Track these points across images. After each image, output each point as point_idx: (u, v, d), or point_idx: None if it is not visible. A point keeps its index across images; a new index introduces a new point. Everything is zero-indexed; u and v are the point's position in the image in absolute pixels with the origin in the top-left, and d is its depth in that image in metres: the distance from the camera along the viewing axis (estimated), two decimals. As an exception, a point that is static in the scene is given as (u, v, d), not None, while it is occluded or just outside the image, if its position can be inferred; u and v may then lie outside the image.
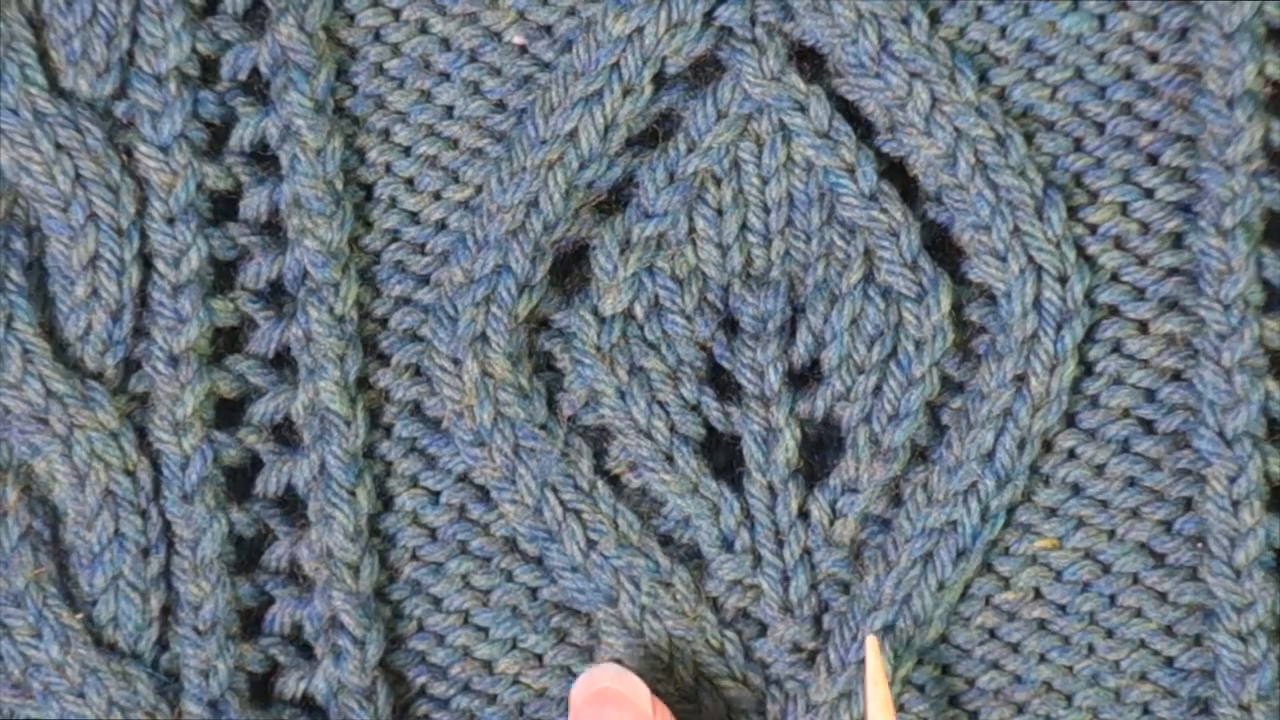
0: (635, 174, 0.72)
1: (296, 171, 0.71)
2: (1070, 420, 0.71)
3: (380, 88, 0.72)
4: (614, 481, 0.73)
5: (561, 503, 0.72)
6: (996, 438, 0.70)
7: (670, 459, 0.72)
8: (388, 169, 0.73)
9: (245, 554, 0.73)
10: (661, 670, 0.72)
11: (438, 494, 0.73)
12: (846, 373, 0.72)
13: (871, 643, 0.68)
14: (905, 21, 0.70)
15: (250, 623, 0.73)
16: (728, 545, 0.72)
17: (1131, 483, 0.71)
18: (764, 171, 0.72)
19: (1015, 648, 0.72)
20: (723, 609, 0.73)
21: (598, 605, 0.72)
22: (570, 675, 0.73)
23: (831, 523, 0.72)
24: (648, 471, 0.72)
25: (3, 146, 0.72)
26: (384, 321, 0.73)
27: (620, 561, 0.72)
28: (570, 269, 0.73)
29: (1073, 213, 0.70)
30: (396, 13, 0.72)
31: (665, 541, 0.73)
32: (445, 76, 0.72)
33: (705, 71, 0.72)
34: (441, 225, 0.73)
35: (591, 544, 0.72)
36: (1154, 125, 0.70)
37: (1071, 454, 0.71)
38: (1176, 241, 0.70)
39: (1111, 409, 0.71)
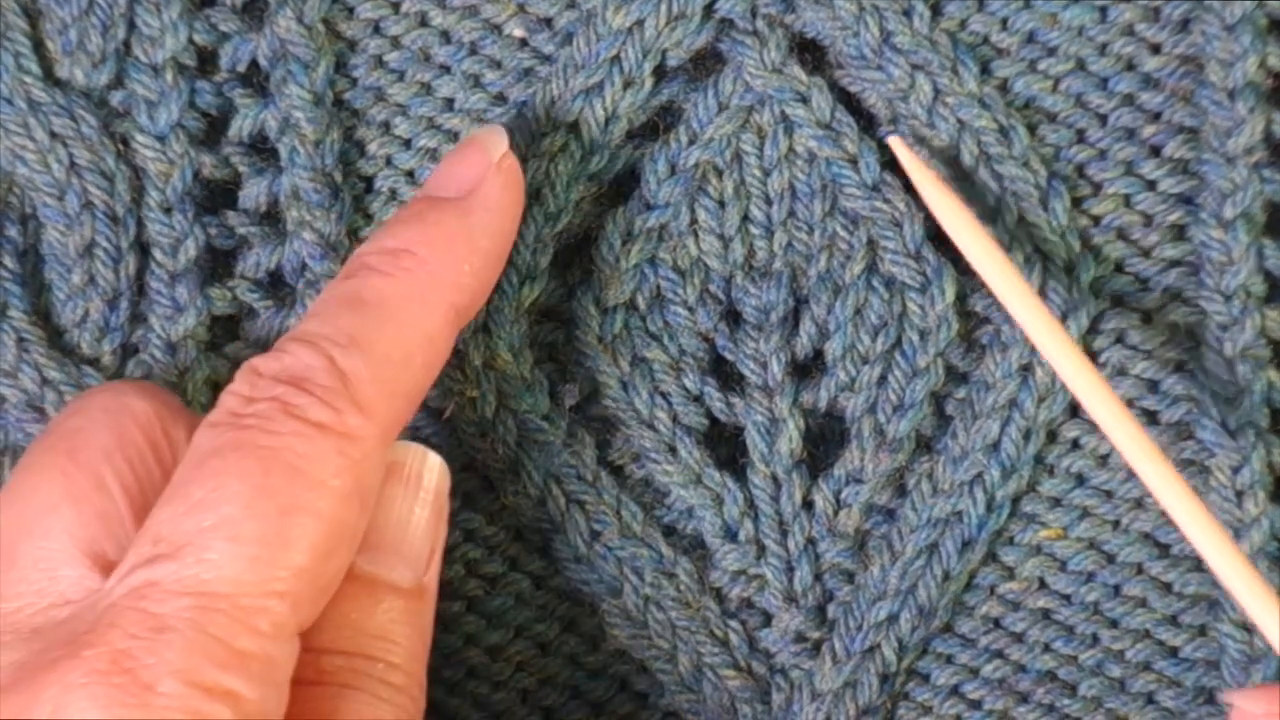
0: (637, 166, 0.71)
1: (295, 164, 0.70)
2: (1074, 410, 0.69)
3: (380, 80, 0.71)
4: (617, 472, 0.71)
5: (565, 493, 0.70)
6: (1002, 428, 0.69)
7: (673, 450, 0.70)
8: (388, 161, 0.71)
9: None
10: (665, 660, 0.70)
11: (440, 485, 0.71)
12: (850, 363, 0.70)
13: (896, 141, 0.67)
14: (907, 14, 0.69)
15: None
16: (731, 536, 0.70)
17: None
18: (766, 163, 0.70)
19: (1019, 637, 0.70)
20: (726, 599, 0.71)
21: (601, 595, 0.70)
22: (576, 664, 0.71)
23: (835, 513, 0.70)
24: (651, 462, 0.70)
25: (-2, 136, 0.70)
26: (384, 313, 0.71)
27: (624, 552, 0.70)
28: (572, 260, 0.72)
29: (1076, 204, 0.69)
30: (396, 5, 0.71)
31: (669, 532, 0.71)
32: (445, 69, 0.71)
33: (706, 64, 0.70)
34: (442, 217, 0.71)
35: (595, 534, 0.70)
36: (1156, 117, 0.69)
37: (1075, 444, 0.69)
38: (1179, 233, 0.69)
39: (1116, 400, 0.70)
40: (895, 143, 0.67)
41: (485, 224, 0.64)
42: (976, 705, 0.70)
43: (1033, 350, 0.69)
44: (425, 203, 0.64)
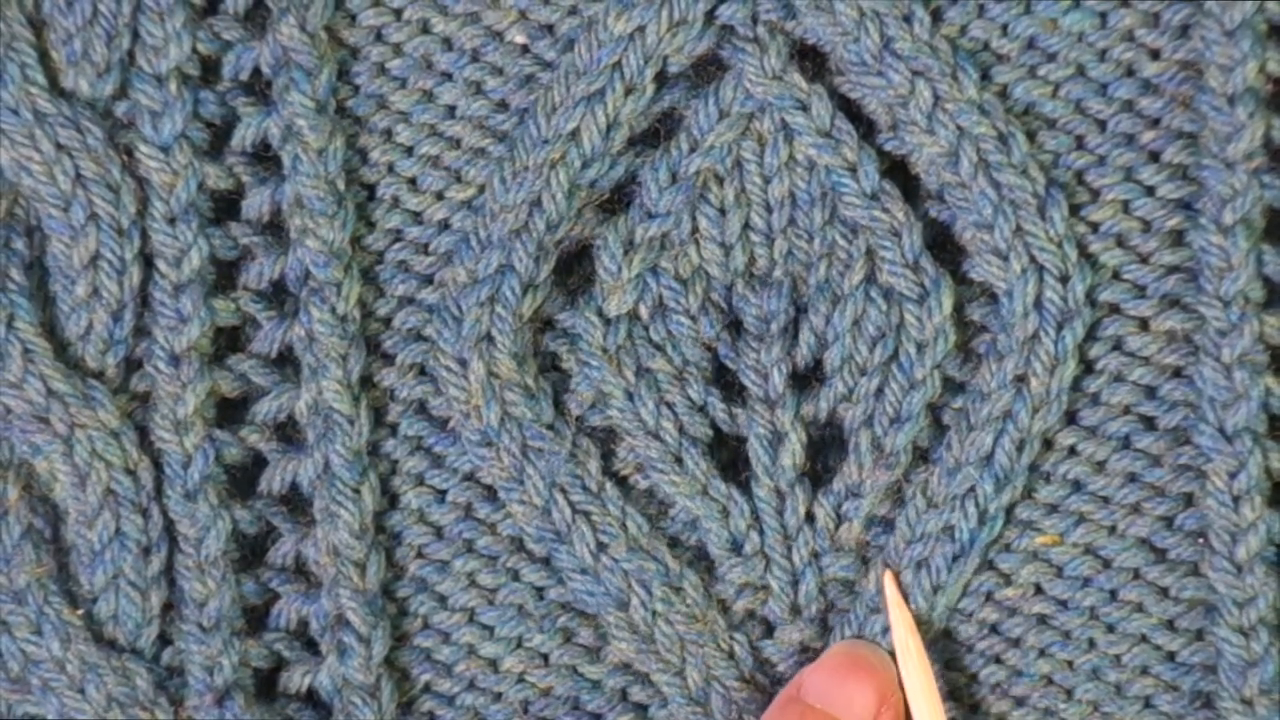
0: (638, 173, 0.69)
1: (298, 171, 0.68)
2: (1071, 418, 0.67)
3: (382, 88, 0.69)
4: (621, 483, 0.69)
5: (570, 504, 0.68)
6: (995, 440, 0.67)
7: (679, 460, 0.69)
8: (390, 169, 0.69)
9: (249, 550, 0.70)
10: (674, 674, 0.69)
11: (444, 492, 0.70)
12: (849, 374, 0.68)
13: (889, 579, 0.67)
14: (907, 19, 0.67)
15: (254, 619, 0.70)
16: (737, 548, 0.69)
17: (1132, 479, 0.68)
18: (766, 170, 0.69)
19: (1016, 642, 0.68)
20: (731, 611, 0.69)
21: (607, 608, 0.69)
22: (576, 675, 0.70)
23: (837, 527, 0.69)
24: (656, 473, 0.69)
25: (3, 146, 0.68)
26: (387, 321, 0.69)
27: (631, 565, 0.69)
28: (573, 268, 0.70)
29: (1074, 210, 0.67)
30: (398, 12, 0.69)
31: (673, 544, 0.69)
32: (447, 76, 0.69)
33: (707, 70, 0.69)
34: (444, 225, 0.69)
35: (602, 546, 0.69)
36: (1155, 122, 0.67)
37: (1072, 451, 0.68)
38: (1177, 239, 0.67)
39: (1112, 406, 0.67)
40: (888, 580, 0.67)
41: None
42: (974, 709, 0.69)
43: (1028, 359, 0.67)
44: None
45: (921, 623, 0.68)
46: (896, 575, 0.67)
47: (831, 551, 0.69)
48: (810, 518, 0.69)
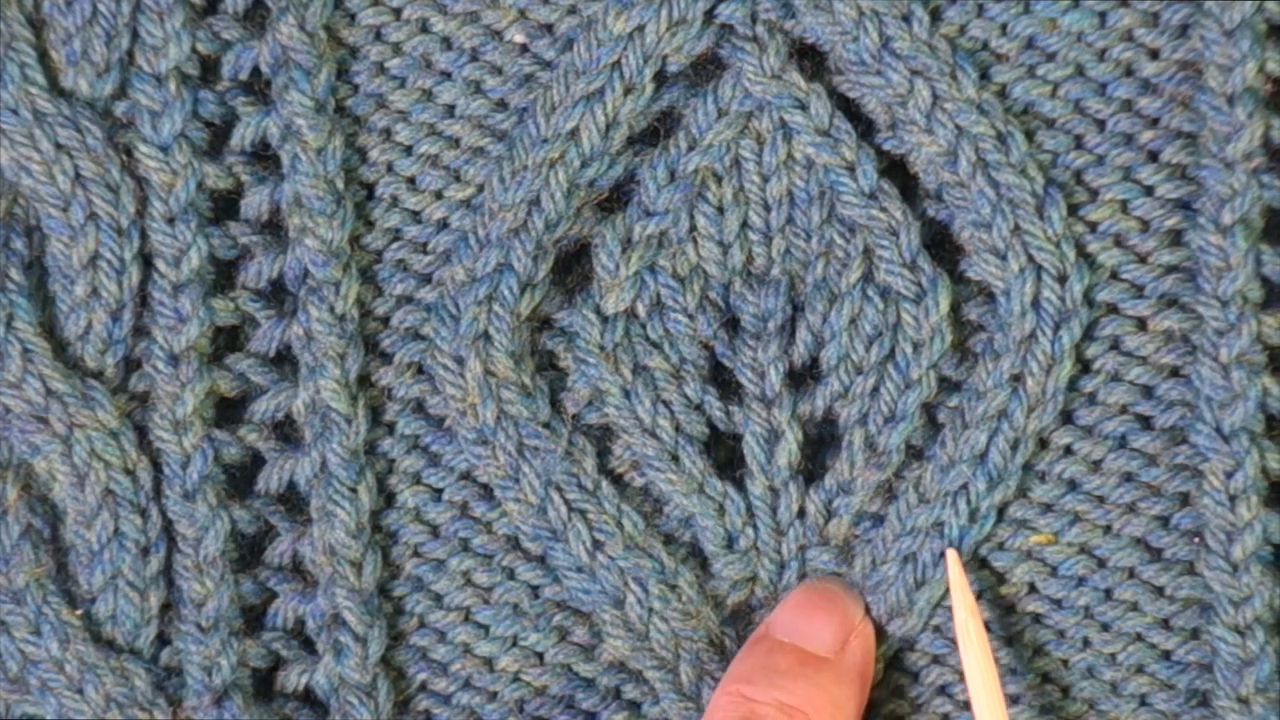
0: (636, 172, 0.68)
1: (297, 171, 0.68)
2: (1068, 417, 0.67)
3: (381, 87, 0.69)
4: (617, 481, 0.69)
5: (566, 502, 0.68)
6: (990, 438, 0.67)
7: (675, 458, 0.68)
8: (389, 168, 0.69)
9: (246, 549, 0.70)
10: (667, 670, 0.69)
11: (440, 491, 0.69)
12: (845, 373, 0.68)
13: (951, 556, 0.66)
14: (906, 19, 0.66)
15: (251, 618, 0.70)
16: (732, 544, 0.69)
17: (1128, 478, 0.67)
18: (765, 169, 0.68)
19: (1010, 641, 0.68)
20: (724, 607, 0.69)
21: (602, 606, 0.68)
22: (571, 674, 0.69)
23: (826, 522, 0.68)
24: (652, 471, 0.68)
25: (3, 146, 0.68)
26: (386, 320, 0.69)
27: (627, 563, 0.68)
28: (571, 267, 0.70)
29: (1073, 210, 0.66)
30: (397, 12, 0.69)
31: (667, 541, 0.69)
32: (446, 75, 0.69)
33: (706, 69, 0.68)
34: (443, 224, 0.69)
35: (597, 544, 0.69)
36: (1154, 122, 0.66)
37: (1068, 450, 0.67)
38: (1176, 238, 0.66)
39: (1109, 405, 0.67)
40: (951, 558, 0.67)
41: (858, 692, 0.65)
42: (966, 706, 0.68)
43: (1025, 359, 0.67)
44: (801, 656, 0.65)
45: (895, 615, 0.68)
46: (959, 554, 0.67)
47: (817, 545, 0.68)
48: (802, 513, 0.68)
